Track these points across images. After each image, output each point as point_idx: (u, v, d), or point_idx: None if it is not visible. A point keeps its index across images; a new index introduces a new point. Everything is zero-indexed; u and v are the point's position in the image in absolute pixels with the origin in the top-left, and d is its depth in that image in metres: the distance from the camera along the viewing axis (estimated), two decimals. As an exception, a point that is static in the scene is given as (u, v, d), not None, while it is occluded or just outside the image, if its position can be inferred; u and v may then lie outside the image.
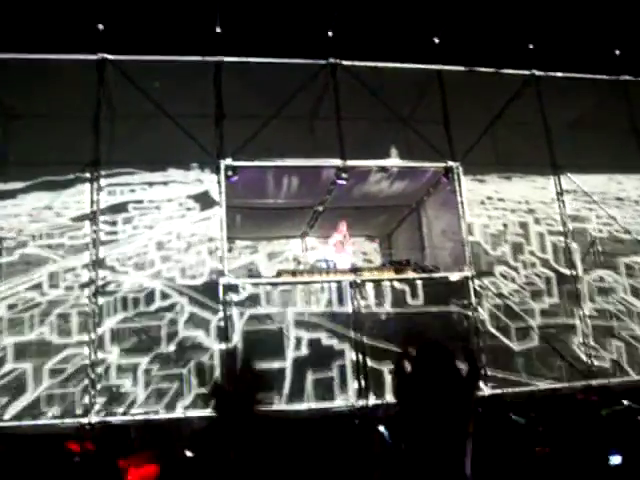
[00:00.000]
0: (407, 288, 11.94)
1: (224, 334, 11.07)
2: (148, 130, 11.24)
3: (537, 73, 13.28)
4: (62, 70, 11.05)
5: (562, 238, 13.19)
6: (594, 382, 11.69)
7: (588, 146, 12.82)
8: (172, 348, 10.92)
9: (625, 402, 10.30)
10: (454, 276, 12.18)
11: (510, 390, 11.26)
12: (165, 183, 11.67)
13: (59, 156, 11.07)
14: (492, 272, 12.58)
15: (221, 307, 11.22)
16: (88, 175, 11.31)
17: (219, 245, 11.45)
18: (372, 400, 10.70)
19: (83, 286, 11.04)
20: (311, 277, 11.92)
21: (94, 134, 11.20)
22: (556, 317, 12.65)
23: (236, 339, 11.21)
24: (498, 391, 11.12)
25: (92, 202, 11.26)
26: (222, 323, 11.13)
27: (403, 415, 4.22)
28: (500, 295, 12.41)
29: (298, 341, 11.34)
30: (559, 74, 13.30)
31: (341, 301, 11.68)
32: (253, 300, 11.54)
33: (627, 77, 13.83)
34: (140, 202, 11.63)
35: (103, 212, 11.38)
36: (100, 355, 10.64)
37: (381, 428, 9.14)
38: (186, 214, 11.63)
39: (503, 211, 13.15)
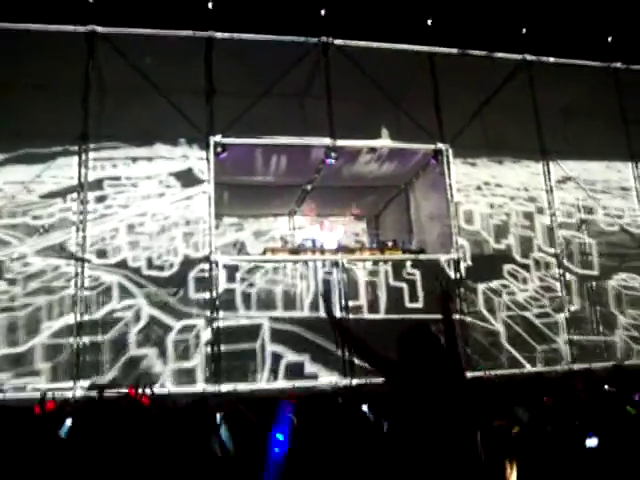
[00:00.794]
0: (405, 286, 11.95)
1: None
2: (137, 105, 11.12)
3: (529, 58, 13.23)
4: (50, 41, 10.83)
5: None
6: (576, 367, 11.80)
7: (580, 132, 12.87)
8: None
9: (606, 387, 10.41)
10: (442, 258, 12.20)
11: (492, 372, 11.32)
12: (150, 159, 11.44)
13: (43, 129, 10.82)
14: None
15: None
16: (71, 148, 11.04)
17: (200, 227, 11.19)
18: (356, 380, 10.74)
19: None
20: (298, 256, 11.90)
21: (82, 108, 11.01)
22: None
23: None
24: (479, 374, 11.18)
25: (80, 176, 11.03)
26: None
27: (398, 400, 4.17)
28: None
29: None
30: (551, 59, 13.26)
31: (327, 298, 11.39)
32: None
33: (618, 64, 13.79)
34: (118, 179, 11.27)
35: (74, 190, 11.02)
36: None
37: (364, 408, 9.21)
38: (166, 192, 11.34)
39: (502, 198, 13.01)
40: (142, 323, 10.59)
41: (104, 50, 11.15)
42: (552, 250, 12.96)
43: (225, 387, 10.40)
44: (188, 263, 11.10)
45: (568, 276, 12.90)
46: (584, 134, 12.90)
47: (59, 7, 10.65)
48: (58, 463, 6.51)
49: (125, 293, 10.72)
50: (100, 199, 11.09)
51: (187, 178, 11.44)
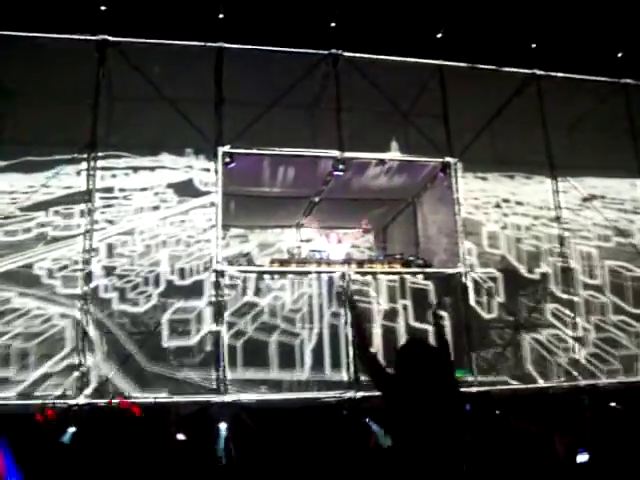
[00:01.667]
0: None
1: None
2: (145, 114, 11.07)
3: (538, 72, 13.20)
4: (60, 49, 10.82)
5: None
6: (583, 382, 11.67)
7: (593, 148, 12.68)
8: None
9: (612, 404, 10.32)
10: (449, 271, 12.14)
11: (497, 388, 11.23)
12: (152, 169, 11.10)
13: (47, 136, 10.60)
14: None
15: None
16: (74, 157, 10.80)
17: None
18: (361, 393, 10.67)
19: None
20: (304, 267, 11.85)
21: (92, 115, 11.00)
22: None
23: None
24: (485, 388, 11.11)
25: (88, 187, 10.76)
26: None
27: (392, 412, 4.16)
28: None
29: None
30: (560, 74, 13.23)
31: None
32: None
33: (628, 80, 13.74)
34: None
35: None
36: None
37: (368, 420, 9.17)
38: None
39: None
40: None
41: (114, 59, 11.19)
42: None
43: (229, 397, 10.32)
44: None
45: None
46: (598, 150, 12.73)
47: (70, 15, 10.68)
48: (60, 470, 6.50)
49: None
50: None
51: (186, 190, 11.14)
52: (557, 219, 12.70)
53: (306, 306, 11.13)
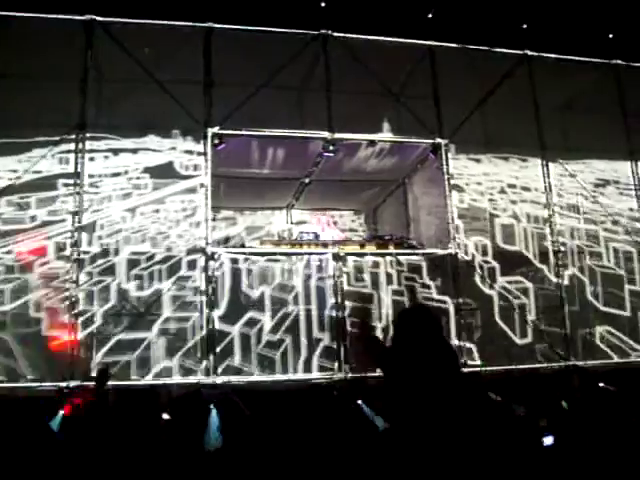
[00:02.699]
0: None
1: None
2: (134, 96, 10.95)
3: (530, 53, 13.13)
4: (46, 30, 10.58)
5: None
6: (571, 363, 11.68)
7: (589, 130, 12.49)
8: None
9: (601, 384, 10.40)
10: (439, 252, 12.11)
11: (488, 369, 11.25)
12: (135, 151, 10.76)
13: (31, 119, 10.26)
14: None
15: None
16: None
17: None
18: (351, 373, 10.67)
19: None
20: (294, 249, 11.82)
21: (81, 97, 10.83)
22: None
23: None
24: (476, 369, 11.14)
25: (76, 170, 10.48)
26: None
27: (390, 386, 4.10)
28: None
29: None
30: (552, 55, 13.16)
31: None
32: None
33: (619, 61, 13.67)
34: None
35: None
36: None
37: (360, 402, 9.20)
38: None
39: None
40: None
41: (101, 40, 11.00)
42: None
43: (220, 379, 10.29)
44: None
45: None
46: (594, 132, 12.54)
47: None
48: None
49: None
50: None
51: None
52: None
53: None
